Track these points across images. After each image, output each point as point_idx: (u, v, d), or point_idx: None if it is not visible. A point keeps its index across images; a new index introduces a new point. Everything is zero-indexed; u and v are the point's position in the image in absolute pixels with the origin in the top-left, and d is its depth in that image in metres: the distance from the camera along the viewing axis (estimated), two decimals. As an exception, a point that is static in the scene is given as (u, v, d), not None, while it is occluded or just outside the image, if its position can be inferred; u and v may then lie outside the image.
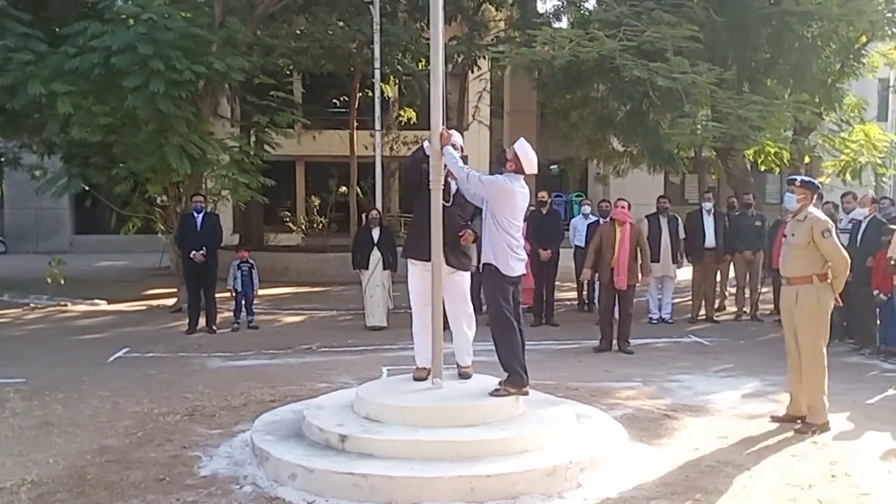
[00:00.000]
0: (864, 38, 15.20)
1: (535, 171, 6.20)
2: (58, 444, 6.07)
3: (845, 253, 6.52)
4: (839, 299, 6.60)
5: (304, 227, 24.72)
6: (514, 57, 15.27)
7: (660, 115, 16.01)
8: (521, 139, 6.25)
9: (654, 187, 23.23)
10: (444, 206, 5.92)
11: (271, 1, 15.73)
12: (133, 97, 12.29)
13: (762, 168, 18.58)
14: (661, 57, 12.59)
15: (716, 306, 13.27)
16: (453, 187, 6.21)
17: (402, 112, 25.40)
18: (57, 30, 13.53)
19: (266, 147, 16.78)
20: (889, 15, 13.99)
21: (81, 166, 14.06)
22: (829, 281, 6.45)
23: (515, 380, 5.79)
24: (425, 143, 6.16)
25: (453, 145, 5.99)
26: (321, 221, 23.56)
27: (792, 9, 12.45)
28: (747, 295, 13.14)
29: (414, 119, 24.95)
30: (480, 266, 6.10)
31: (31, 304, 15.02)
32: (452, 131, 6.19)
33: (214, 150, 14.08)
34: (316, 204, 24.12)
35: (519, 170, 6.07)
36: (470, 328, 6.32)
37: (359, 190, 21.53)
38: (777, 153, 16.87)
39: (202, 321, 11.91)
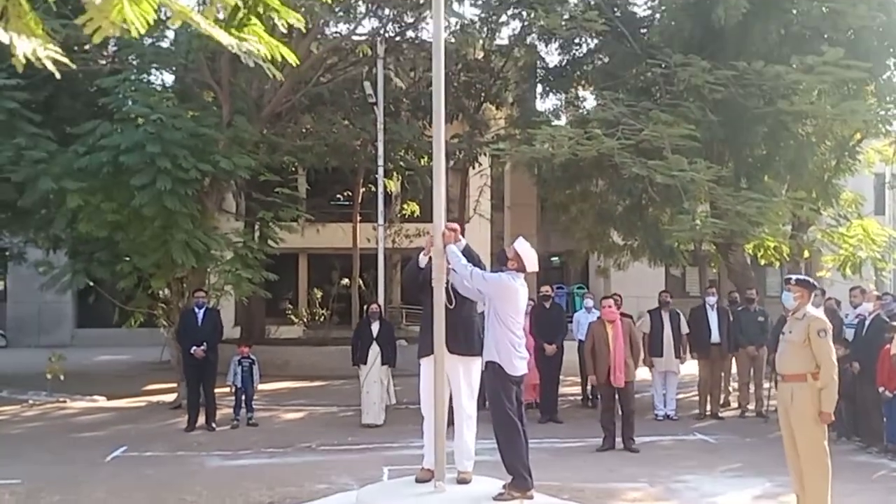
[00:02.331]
0: (858, 136, 15.50)
1: (536, 269, 6.28)
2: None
3: (835, 360, 6.51)
4: (827, 413, 6.42)
5: (305, 320, 24.68)
6: (514, 154, 15.55)
7: (659, 210, 16.20)
8: (521, 238, 6.36)
9: (655, 280, 23.31)
10: (447, 307, 5.96)
11: (278, 100, 16.14)
12: (140, 195, 12.48)
13: (762, 262, 18.66)
14: (659, 155, 12.84)
15: (721, 402, 13.13)
16: (457, 282, 6.26)
17: (404, 206, 25.73)
18: (67, 129, 13.84)
19: (269, 241, 16.93)
20: (882, 114, 14.30)
21: (86, 262, 14.16)
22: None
23: (520, 483, 5.71)
24: (421, 257, 6.30)
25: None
26: (323, 314, 23.55)
27: (786, 109, 12.73)
28: (752, 391, 13.01)
29: (416, 212, 25.25)
30: (483, 364, 6.10)
31: (30, 401, 14.88)
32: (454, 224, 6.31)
33: (219, 246, 14.20)
34: (318, 296, 24.16)
35: (520, 268, 6.15)
36: (469, 430, 6.25)
37: (361, 282, 21.61)
38: (777, 247, 16.97)
39: (201, 418, 11.77)
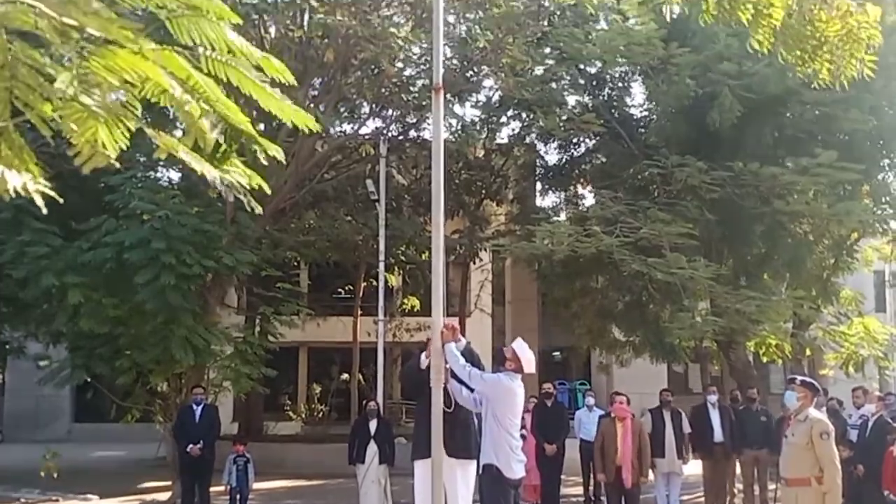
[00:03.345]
0: (855, 235, 15.67)
1: (534, 371, 6.28)
2: None
3: (838, 463, 6.44)
4: None
5: (304, 416, 24.39)
6: (514, 250, 15.72)
7: (659, 307, 16.24)
8: (520, 339, 6.38)
9: (657, 377, 23.10)
10: (445, 411, 5.92)
11: (282, 197, 16.39)
12: (143, 291, 12.54)
13: (765, 360, 18.56)
14: (658, 252, 12.97)
15: (725, 504, 12.85)
16: (455, 391, 6.24)
17: (405, 300, 25.77)
18: (73, 224, 14.00)
19: (270, 336, 16.91)
20: (878, 213, 14.50)
21: (86, 357, 14.11)
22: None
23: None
24: (422, 356, 6.31)
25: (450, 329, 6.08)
26: (322, 410, 23.29)
27: (783, 209, 12.94)
28: (757, 492, 12.74)
29: (417, 307, 25.26)
30: (480, 467, 6.03)
31: (22, 500, 14.57)
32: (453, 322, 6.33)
33: (219, 342, 14.18)
34: (317, 392, 23.94)
35: (518, 369, 6.15)
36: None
37: (361, 377, 21.46)
38: (778, 345, 16.92)
39: (196, 518, 11.52)
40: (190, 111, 3.57)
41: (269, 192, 4.26)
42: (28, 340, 18.25)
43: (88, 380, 14.85)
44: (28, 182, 3.13)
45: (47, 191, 3.24)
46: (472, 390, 6.10)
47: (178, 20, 3.61)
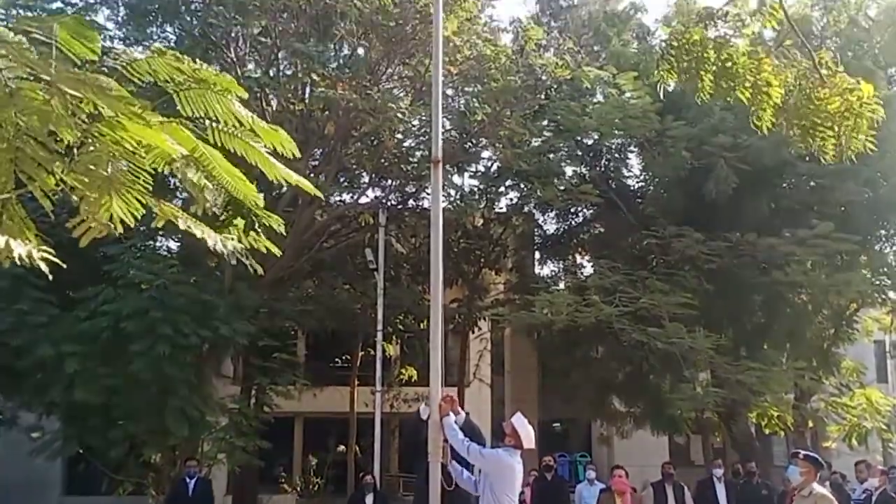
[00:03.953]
0: (854, 306, 15.63)
1: (534, 447, 6.19)
2: None
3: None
4: None
5: (299, 489, 23.89)
6: (513, 320, 15.66)
7: (660, 377, 16.10)
8: (519, 414, 6.31)
9: (658, 449, 22.73)
10: (445, 488, 5.81)
11: (281, 266, 16.39)
12: (138, 360, 12.44)
13: (767, 431, 18.32)
14: (657, 322, 12.93)
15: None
16: (456, 473, 6.11)
17: (403, 370, 25.54)
18: (70, 293, 13.97)
19: (265, 407, 16.71)
20: (876, 283, 14.50)
21: (79, 428, 13.90)
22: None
23: None
24: (421, 407, 6.23)
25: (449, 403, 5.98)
26: (318, 482, 22.84)
27: (781, 279, 12.96)
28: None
29: (415, 377, 25.02)
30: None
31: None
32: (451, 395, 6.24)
33: (213, 413, 14.01)
34: (313, 463, 23.52)
35: (518, 445, 6.06)
36: None
37: (357, 449, 21.11)
38: (780, 416, 16.71)
39: None
40: (196, 181, 3.62)
41: (278, 254, 4.28)
42: (21, 410, 18.02)
43: (80, 451, 14.60)
44: (32, 250, 3.15)
45: (50, 257, 3.25)
46: (471, 470, 6.03)
47: (185, 93, 3.68)
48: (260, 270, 4.41)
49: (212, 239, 3.72)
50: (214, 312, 13.60)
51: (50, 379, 13.64)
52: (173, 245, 17.10)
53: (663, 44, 5.85)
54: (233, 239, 3.91)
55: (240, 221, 4.03)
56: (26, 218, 3.50)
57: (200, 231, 3.68)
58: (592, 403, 19.41)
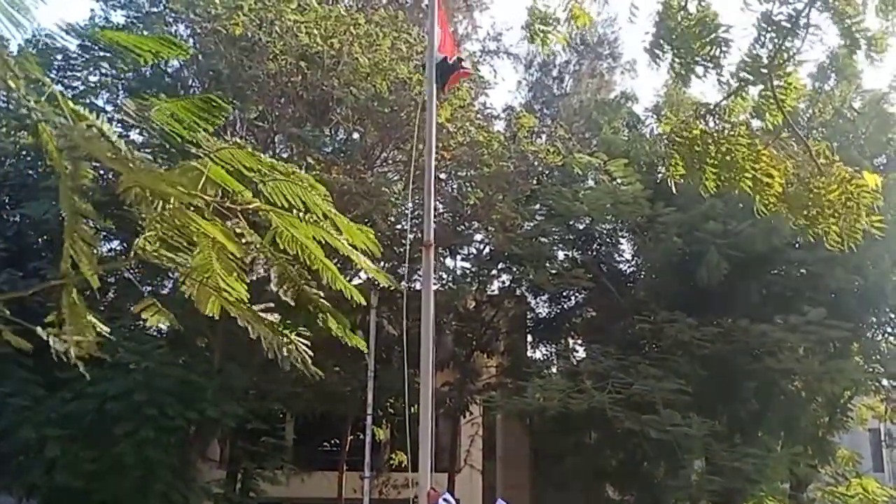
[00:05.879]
0: (848, 393, 15.54)
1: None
2: None
3: None
4: None
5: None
6: (505, 405, 15.48)
7: (654, 465, 15.85)
8: (500, 500, 6.18)
9: (654, 538, 22.20)
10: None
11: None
12: (122, 443, 12.19)
13: (764, 521, 17.96)
14: (651, 408, 12.79)
15: None
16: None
17: (393, 455, 25.06)
18: (57, 373, 13.77)
19: (251, 493, 16.31)
20: (870, 371, 14.44)
21: (58, 513, 13.54)
22: None
23: None
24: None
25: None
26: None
27: (774, 366, 12.91)
28: None
29: (405, 462, 24.52)
30: None
31: None
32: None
33: (198, 498, 13.66)
34: (298, 554, 22.79)
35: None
36: None
37: (345, 541, 20.51)
38: (777, 506, 16.42)
39: None
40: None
41: (363, 349, 4.23)
42: (2, 494, 17.57)
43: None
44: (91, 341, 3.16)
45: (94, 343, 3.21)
46: None
47: (271, 184, 3.69)
48: (318, 373, 4.27)
49: (267, 339, 3.71)
50: (202, 394, 13.41)
51: (31, 462, 13.35)
52: (163, 325, 16.95)
53: (666, 139, 5.95)
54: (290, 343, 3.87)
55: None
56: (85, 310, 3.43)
57: (261, 327, 3.69)
58: (585, 491, 19.04)
